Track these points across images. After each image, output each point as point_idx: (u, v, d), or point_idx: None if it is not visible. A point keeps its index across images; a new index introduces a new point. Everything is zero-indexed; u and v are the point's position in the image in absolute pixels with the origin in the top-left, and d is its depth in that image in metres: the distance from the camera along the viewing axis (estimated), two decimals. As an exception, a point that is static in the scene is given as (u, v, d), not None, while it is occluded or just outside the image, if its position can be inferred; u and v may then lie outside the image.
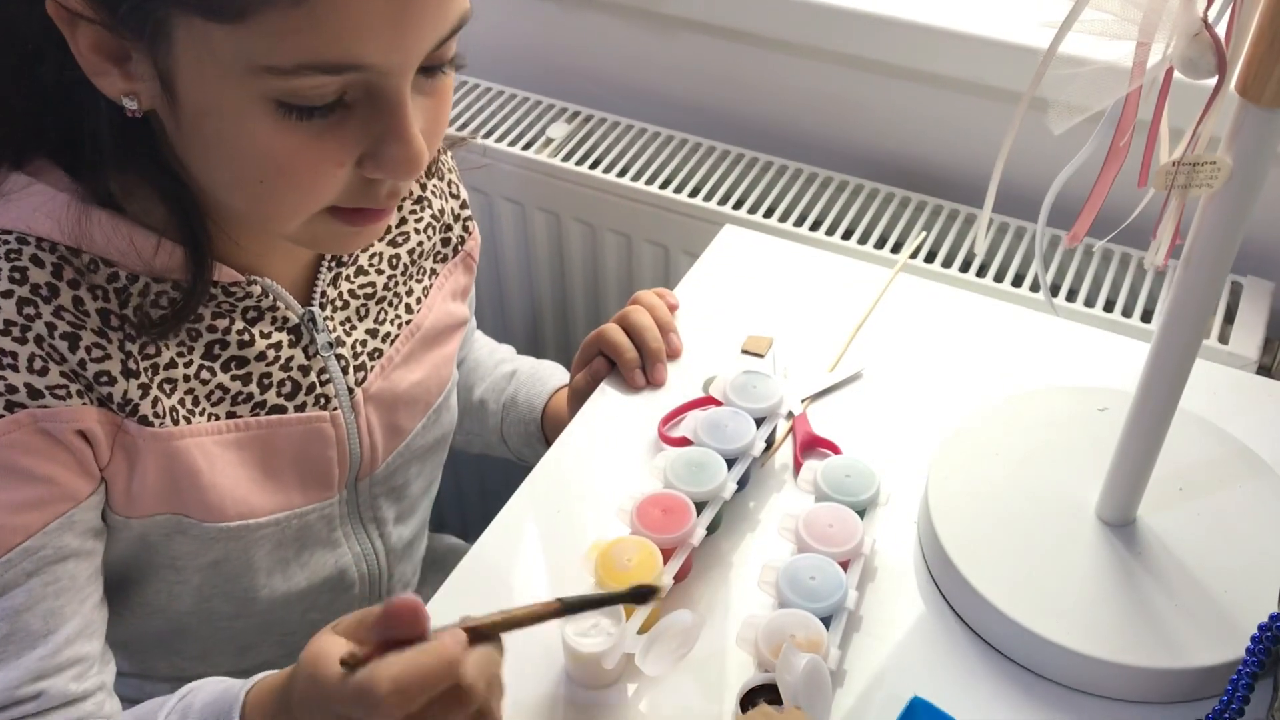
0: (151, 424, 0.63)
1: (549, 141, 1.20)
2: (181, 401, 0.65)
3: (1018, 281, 1.03)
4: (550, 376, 0.95)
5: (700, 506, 0.71)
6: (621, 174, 1.16)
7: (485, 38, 1.27)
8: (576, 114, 1.23)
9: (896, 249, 1.05)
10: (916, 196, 1.10)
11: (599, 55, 1.26)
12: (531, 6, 1.26)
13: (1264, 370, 0.97)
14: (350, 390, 0.73)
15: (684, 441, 0.78)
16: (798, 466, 0.78)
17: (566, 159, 1.18)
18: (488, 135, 1.21)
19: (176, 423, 0.64)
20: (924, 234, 1.05)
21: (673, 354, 0.86)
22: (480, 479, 1.37)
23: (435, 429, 0.83)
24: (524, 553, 0.74)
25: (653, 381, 0.84)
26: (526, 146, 1.20)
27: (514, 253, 1.27)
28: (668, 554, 0.68)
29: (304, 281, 0.72)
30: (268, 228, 0.63)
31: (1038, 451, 0.75)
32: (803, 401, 0.82)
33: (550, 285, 1.28)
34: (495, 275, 1.29)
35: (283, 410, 0.70)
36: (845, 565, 0.67)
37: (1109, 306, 1.00)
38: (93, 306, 0.61)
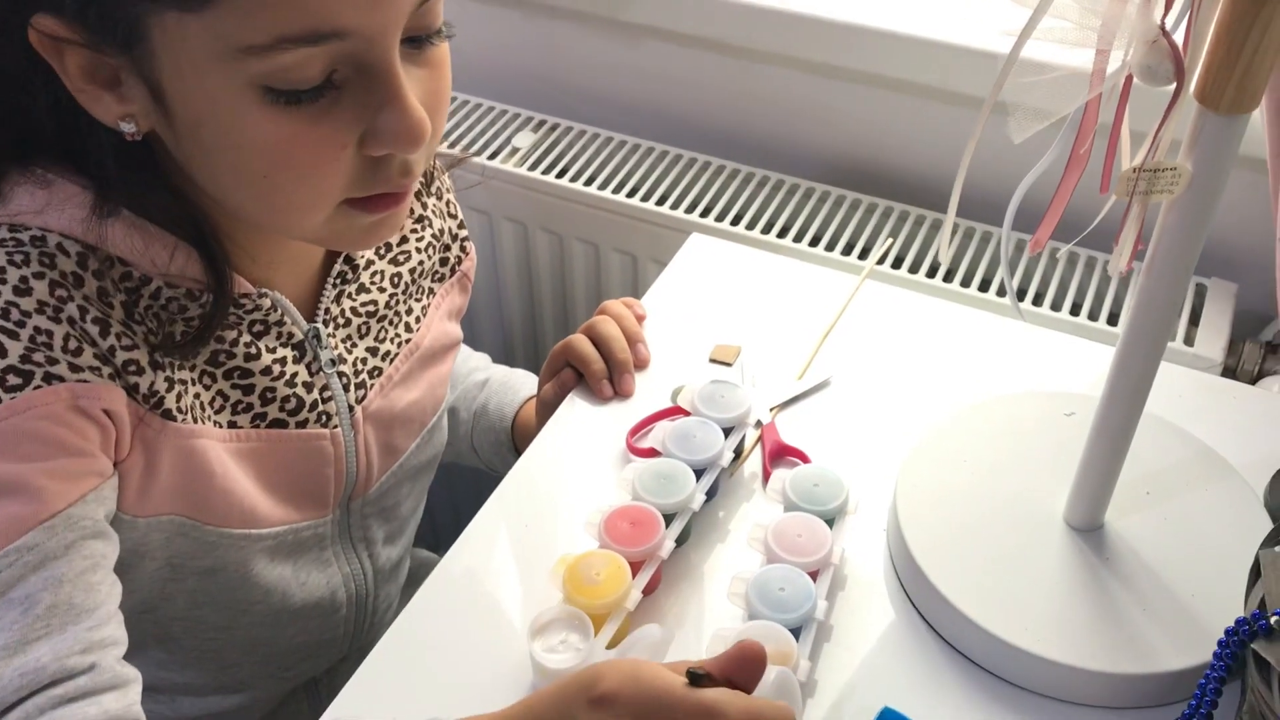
0: (175, 419, 0.62)
1: (515, 151, 1.20)
2: (191, 403, 0.64)
3: (984, 286, 1.03)
4: (521, 386, 0.95)
5: (669, 518, 0.70)
6: (588, 183, 1.15)
7: (452, 48, 1.26)
8: (542, 123, 1.23)
9: (864, 255, 1.06)
10: (883, 202, 1.11)
11: (564, 63, 1.26)
12: (496, 15, 1.25)
13: (1229, 372, 0.97)
14: (350, 409, 0.73)
15: (653, 452, 0.78)
16: (767, 476, 0.77)
17: (533, 168, 1.17)
18: (453, 145, 1.20)
19: (196, 422, 0.64)
20: (890, 240, 1.05)
21: (640, 364, 0.85)
22: (449, 490, 1.36)
23: (428, 449, 0.82)
24: (494, 567, 0.73)
25: (620, 392, 0.83)
26: (492, 156, 1.19)
27: (481, 263, 1.26)
28: (636, 567, 0.68)
29: (309, 298, 0.72)
30: (288, 228, 0.63)
31: (1005, 458, 0.75)
32: (771, 410, 0.82)
33: (518, 295, 1.27)
34: (463, 285, 1.28)
35: (283, 425, 0.69)
36: (814, 575, 0.67)
37: (1075, 310, 1.00)
38: (117, 299, 0.60)
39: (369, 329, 0.75)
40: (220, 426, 0.66)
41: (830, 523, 0.70)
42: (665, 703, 0.49)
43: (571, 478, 0.78)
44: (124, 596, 0.67)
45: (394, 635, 0.69)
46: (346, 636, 0.82)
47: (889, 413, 0.82)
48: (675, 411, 0.80)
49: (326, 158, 0.57)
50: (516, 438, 0.92)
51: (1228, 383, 0.86)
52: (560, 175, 1.17)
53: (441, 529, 1.49)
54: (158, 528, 0.65)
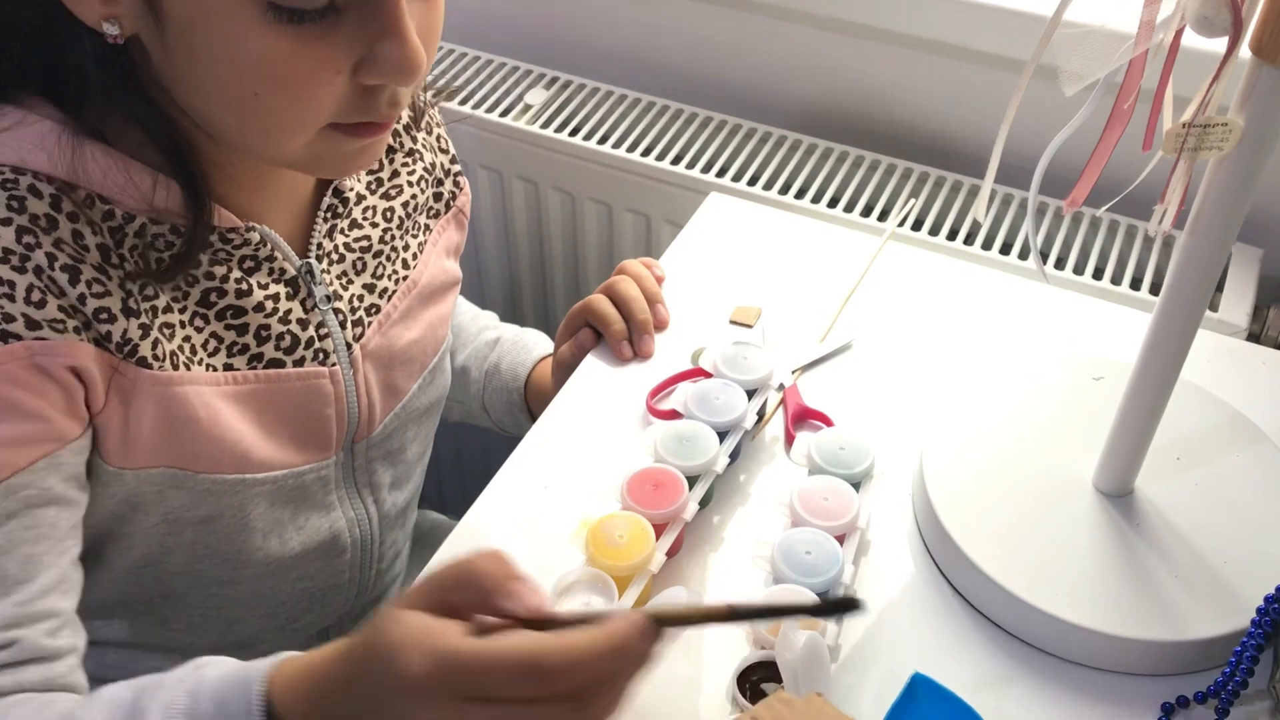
0: (151, 366, 0.60)
1: (527, 108, 1.17)
2: (180, 348, 0.62)
3: (1005, 249, 1.02)
4: (534, 345, 0.93)
5: (692, 481, 0.69)
6: (602, 141, 1.13)
7: (462, 2, 1.23)
8: (555, 79, 1.21)
9: (883, 217, 1.04)
10: (901, 163, 1.09)
11: (578, 19, 1.24)
12: (507, -31, 1.23)
13: (1253, 337, 0.96)
14: (349, 346, 0.71)
15: (673, 414, 0.76)
16: (789, 439, 0.76)
17: (545, 126, 1.15)
18: (464, 101, 1.18)
19: (176, 368, 0.62)
20: (912, 201, 1.03)
21: (660, 325, 0.84)
22: (457, 451, 1.35)
23: (431, 390, 0.81)
24: (513, 529, 0.72)
25: (640, 353, 0.82)
26: (504, 113, 1.17)
27: (491, 222, 1.24)
28: (659, 529, 0.67)
29: (300, 232, 0.70)
30: (268, 150, 0.61)
31: (1033, 422, 0.74)
32: (793, 373, 0.80)
33: (529, 255, 1.25)
34: (472, 244, 1.27)
35: (280, 365, 0.68)
36: (840, 539, 0.66)
37: (1097, 274, 0.99)
38: (93, 241, 0.59)
39: (364, 265, 0.73)
40: (215, 369, 0.65)
41: (856, 487, 0.69)
42: (447, 667, 0.44)
43: (590, 439, 0.77)
44: (123, 553, 0.67)
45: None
46: (352, 583, 0.81)
47: (911, 376, 0.81)
48: (696, 373, 0.79)
49: (320, 81, 0.56)
50: (529, 398, 0.91)
51: (1255, 348, 0.85)
52: (573, 133, 1.14)
53: (449, 490, 1.48)
54: (148, 480, 0.64)
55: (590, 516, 0.67)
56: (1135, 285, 0.97)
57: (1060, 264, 1.00)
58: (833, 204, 1.06)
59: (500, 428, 0.96)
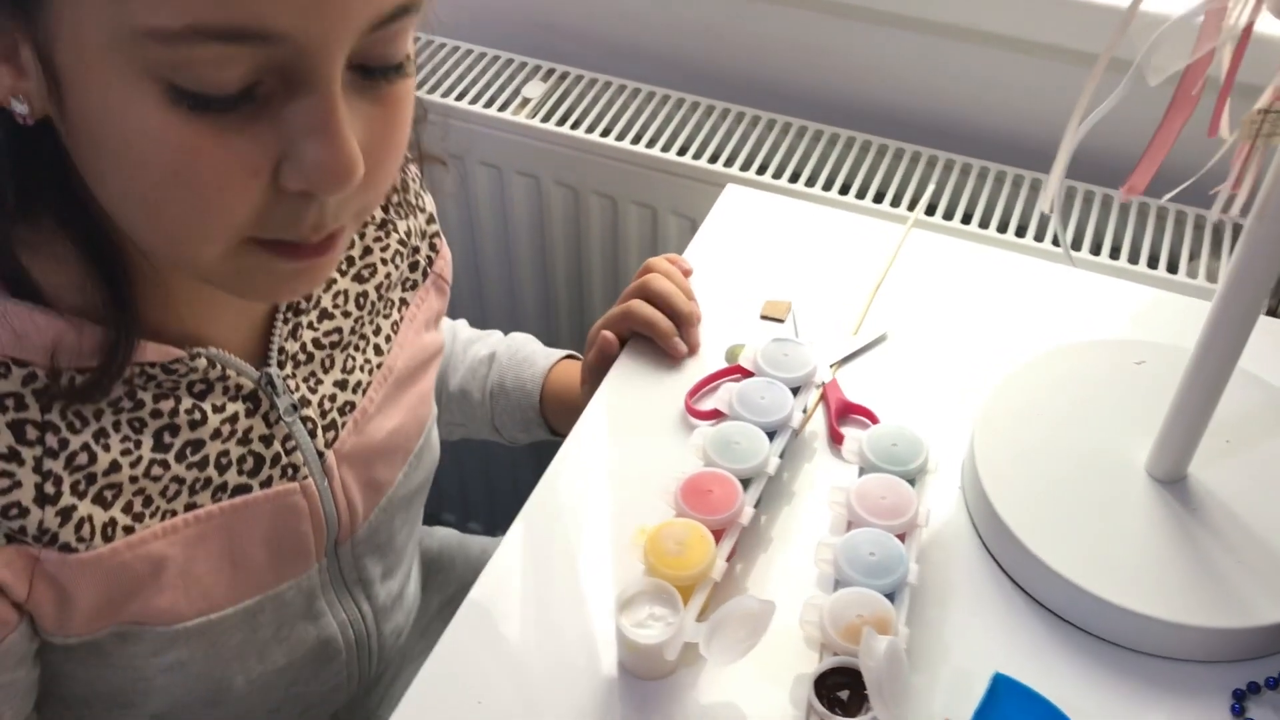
0: (76, 550, 0.54)
1: (525, 101, 1.15)
2: (129, 506, 0.56)
3: (1020, 232, 1.01)
4: (534, 356, 0.91)
5: (745, 483, 0.68)
6: (604, 133, 1.11)
7: (451, -6, 1.21)
8: (552, 71, 1.18)
9: (896, 203, 1.03)
10: (911, 147, 1.08)
11: (573, 10, 1.21)
12: (497, -41, 1.20)
13: (1270, 313, 0.96)
14: (320, 454, 0.65)
15: (714, 414, 0.75)
16: (834, 435, 0.75)
17: (545, 119, 1.13)
18: (460, 97, 1.15)
19: (111, 538, 0.55)
20: (931, 187, 1.02)
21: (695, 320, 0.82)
22: (457, 463, 1.33)
23: (418, 474, 0.75)
24: (561, 541, 0.70)
25: (691, 347, 0.80)
26: (502, 108, 1.14)
27: (491, 219, 1.22)
28: (716, 535, 0.65)
29: (257, 336, 0.63)
30: (181, 260, 0.52)
31: (1080, 409, 0.73)
32: (831, 368, 0.79)
33: (530, 253, 1.23)
34: (471, 244, 1.24)
35: (247, 490, 0.61)
36: (901, 538, 0.65)
37: (1114, 253, 0.98)
38: (1, 422, 0.51)
39: (333, 360, 0.66)
40: (174, 514, 0.58)
41: (911, 482, 0.68)
42: None
43: (630, 445, 0.76)
44: (90, 684, 0.62)
45: (463, 620, 0.66)
46: (351, 680, 0.76)
47: (949, 365, 0.80)
48: (735, 371, 0.78)
49: (231, 183, 0.46)
50: (546, 412, 0.89)
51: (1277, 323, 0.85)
52: (574, 126, 1.12)
53: (448, 501, 1.46)
54: (100, 639, 0.59)
55: (647, 525, 0.66)
56: (1152, 264, 0.97)
57: (1076, 244, 1.00)
58: (844, 191, 1.05)
59: (511, 443, 0.94)
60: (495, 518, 1.45)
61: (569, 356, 0.92)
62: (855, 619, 0.60)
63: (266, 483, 0.62)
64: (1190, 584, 0.63)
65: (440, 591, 0.94)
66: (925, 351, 0.81)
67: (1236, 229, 1.00)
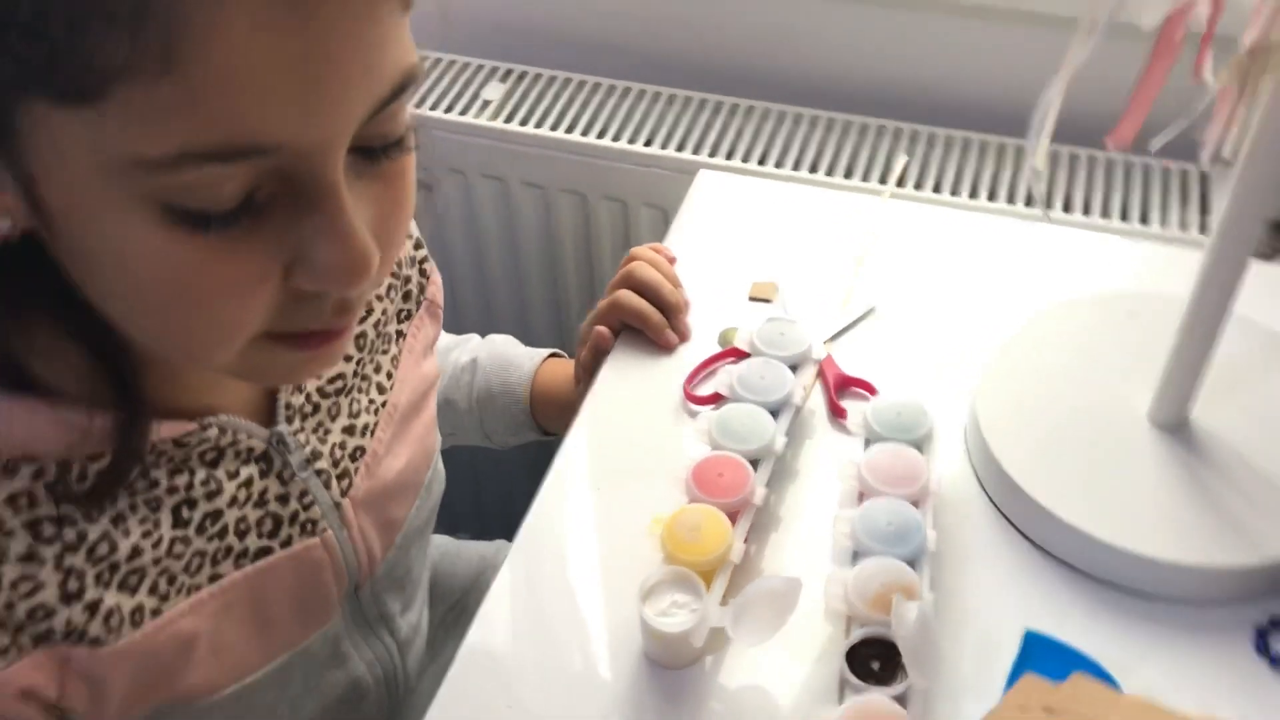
0: (106, 642, 0.52)
1: (486, 104, 1.14)
2: (154, 588, 0.54)
3: (992, 196, 1.02)
4: (517, 358, 0.90)
5: (754, 464, 0.68)
6: (569, 130, 1.11)
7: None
8: (510, 72, 1.18)
9: (867, 178, 1.03)
10: (875, 121, 1.08)
11: (528, 8, 1.20)
12: (445, -37, 1.19)
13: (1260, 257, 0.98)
14: (336, 504, 0.63)
15: (715, 398, 0.75)
16: (835, 410, 0.75)
17: (507, 120, 1.12)
18: (419, 104, 1.14)
19: (140, 624, 0.54)
20: (904, 158, 1.03)
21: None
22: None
23: (429, 504, 0.74)
24: (572, 537, 0.70)
25: (682, 336, 0.80)
26: (463, 112, 1.13)
27: (460, 225, 1.21)
28: (732, 518, 0.65)
29: (263, 396, 0.61)
30: (196, 363, 0.52)
31: (1078, 364, 0.74)
32: (825, 343, 0.79)
33: (501, 256, 1.22)
34: (442, 248, 1.23)
35: (268, 552, 0.60)
36: (915, 505, 0.65)
37: (1086, 209, 0.99)
38: (16, 523, 0.49)
39: (339, 407, 0.64)
40: (199, 589, 0.57)
41: (919, 450, 0.68)
42: None
43: (631, 435, 0.75)
44: None
45: (481, 626, 0.65)
46: (381, 714, 0.75)
47: (940, 332, 0.80)
48: (731, 354, 0.77)
49: (241, 292, 0.45)
50: (537, 414, 0.88)
51: (1265, 265, 0.86)
52: (538, 125, 1.12)
53: (459, 503, 1.44)
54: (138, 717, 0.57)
55: (661, 514, 0.65)
56: (1124, 216, 0.98)
57: (1049, 204, 1.00)
58: (813, 169, 1.05)
59: (501, 446, 0.93)
60: (484, 523, 1.43)
61: (552, 354, 0.91)
62: (880, 588, 0.60)
63: (287, 542, 0.61)
64: (1203, 525, 0.64)
65: (443, 601, 0.93)
66: (915, 320, 0.82)
67: (1204, 181, 1.01)
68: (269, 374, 0.53)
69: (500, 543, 0.98)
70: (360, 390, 0.66)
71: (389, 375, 0.69)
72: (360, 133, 0.44)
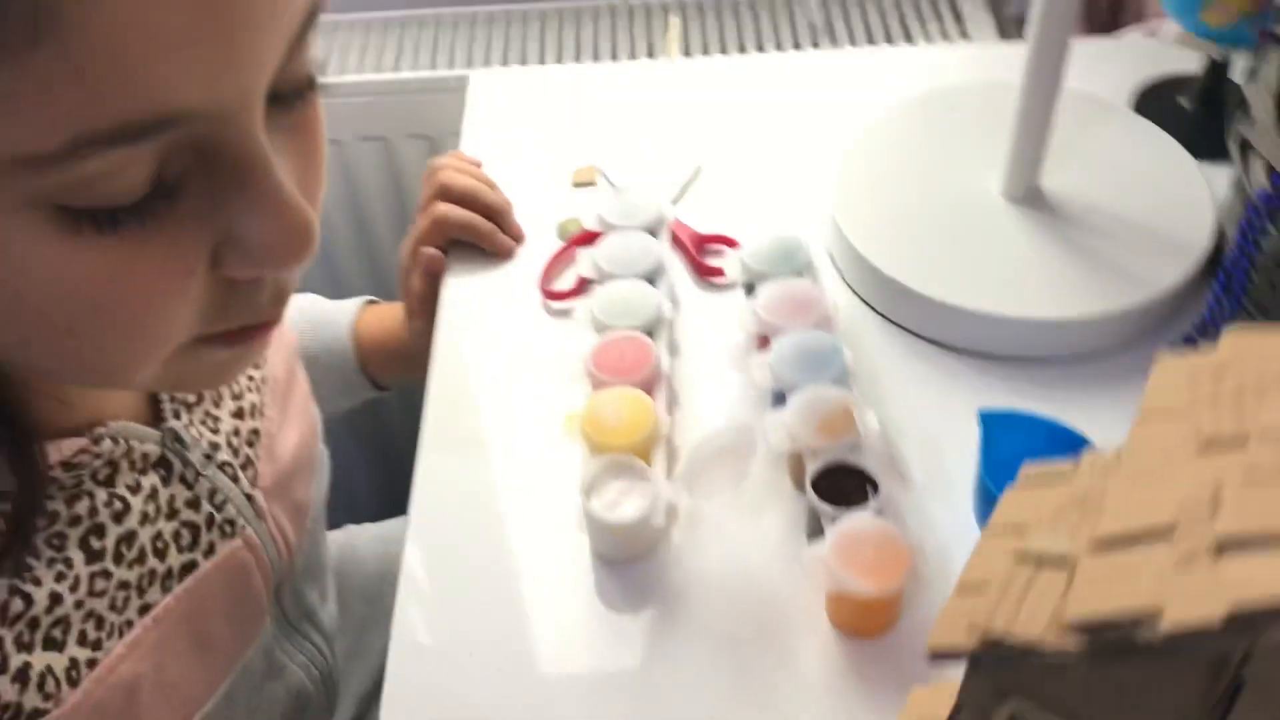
0: (47, 710, 0.44)
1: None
2: (83, 636, 0.46)
3: (762, 49, 1.01)
4: (329, 313, 0.82)
5: (649, 335, 0.64)
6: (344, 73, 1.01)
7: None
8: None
9: (645, 55, 1.00)
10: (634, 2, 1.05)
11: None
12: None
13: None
14: (249, 498, 0.57)
15: (578, 289, 0.70)
16: (701, 269, 0.72)
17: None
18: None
19: (78, 681, 0.46)
20: (676, 20, 1.00)
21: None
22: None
23: (324, 482, 0.68)
24: (475, 482, 0.63)
25: (516, 238, 0.74)
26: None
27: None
28: (648, 393, 0.61)
29: (143, 396, 0.53)
30: (111, 386, 0.45)
31: (921, 160, 0.74)
32: (673, 203, 0.76)
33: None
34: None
35: (194, 567, 0.52)
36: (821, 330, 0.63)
37: (852, 40, 1.00)
38: None
39: (221, 391, 0.58)
40: (132, 625, 0.49)
41: (806, 278, 0.66)
42: None
43: (500, 355, 0.69)
44: None
45: (410, 585, 0.59)
46: (325, 714, 0.69)
47: (769, 174, 0.79)
48: (580, 240, 0.73)
49: (165, 297, 0.38)
50: (369, 368, 0.81)
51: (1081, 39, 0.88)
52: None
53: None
54: None
55: (573, 410, 0.60)
56: (889, 40, 1.00)
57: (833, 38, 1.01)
58: (595, 58, 1.01)
59: (334, 413, 0.84)
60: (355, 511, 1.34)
61: (369, 303, 0.83)
62: (823, 415, 0.58)
63: (210, 551, 0.54)
64: (1078, 280, 0.65)
65: (354, 592, 0.84)
66: (741, 170, 0.79)
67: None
68: (194, 381, 0.45)
69: (394, 521, 0.90)
70: None
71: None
72: (273, 80, 0.36)
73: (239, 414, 0.58)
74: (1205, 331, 0.63)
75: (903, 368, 0.66)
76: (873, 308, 0.69)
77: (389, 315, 0.80)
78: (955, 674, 0.32)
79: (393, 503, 0.88)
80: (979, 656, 0.29)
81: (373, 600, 0.83)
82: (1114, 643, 0.24)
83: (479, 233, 0.73)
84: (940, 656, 0.30)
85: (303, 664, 0.64)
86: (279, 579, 0.60)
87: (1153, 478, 0.26)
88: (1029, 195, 0.70)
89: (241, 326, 0.42)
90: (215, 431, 0.56)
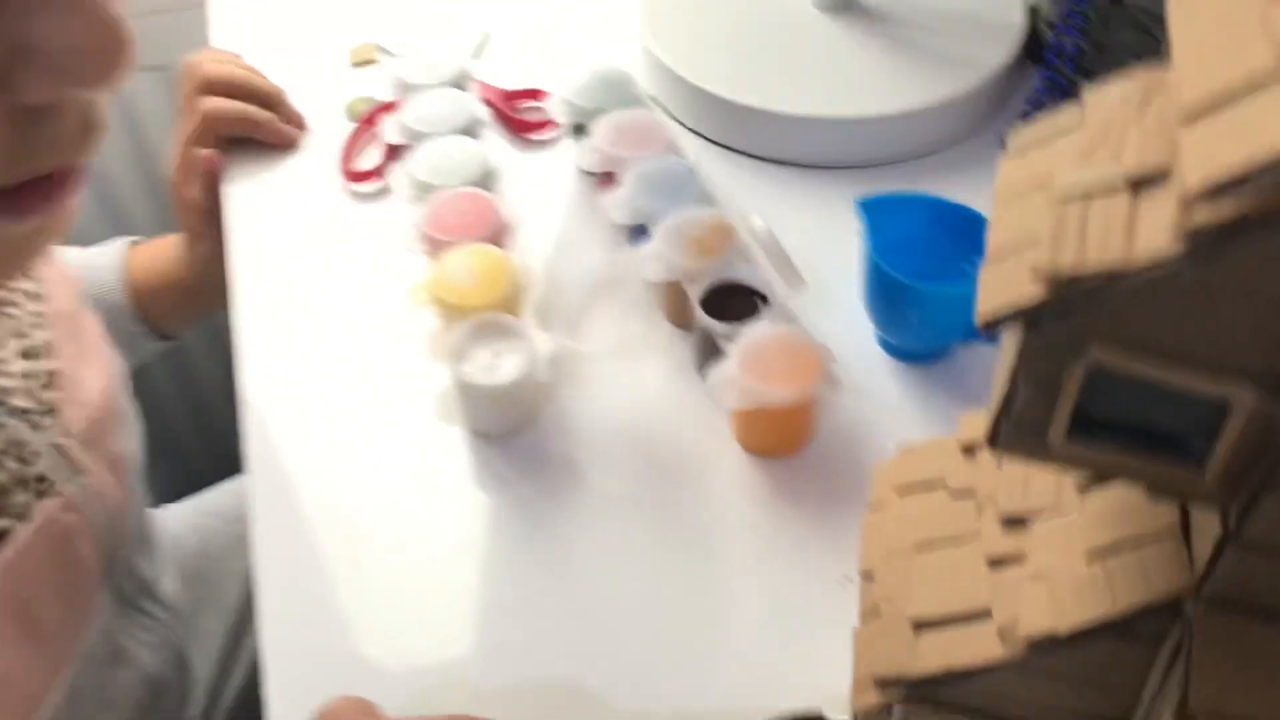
0: None
1: None
2: None
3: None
4: (89, 259, 0.69)
5: (481, 187, 0.57)
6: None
7: None
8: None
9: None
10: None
11: None
12: None
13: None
14: (58, 448, 0.48)
15: (387, 163, 0.63)
16: (516, 125, 0.66)
17: None
18: None
19: None
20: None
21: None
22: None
23: (140, 437, 0.59)
24: (312, 405, 0.55)
25: (298, 125, 0.65)
26: None
27: None
28: (496, 241, 0.55)
29: None
30: None
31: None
32: (474, 60, 0.69)
33: None
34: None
35: (8, 535, 0.44)
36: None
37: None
38: None
39: (2, 330, 0.49)
40: None
41: (640, 106, 0.61)
42: None
43: (312, 249, 0.61)
44: None
45: (266, 529, 0.50)
46: (196, 708, 0.61)
47: (563, 22, 0.73)
48: (378, 112, 0.65)
49: None
50: (148, 315, 0.70)
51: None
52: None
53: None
54: None
55: (419, 280, 0.53)
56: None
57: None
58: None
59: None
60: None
61: (132, 243, 0.72)
62: (700, 232, 0.53)
63: (24, 514, 0.45)
64: (905, 75, 0.63)
65: (213, 581, 0.74)
66: (535, 26, 0.73)
67: None
68: None
69: (208, 493, 0.78)
70: (12, 303, 0.50)
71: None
72: None
73: (29, 354, 0.48)
74: (1041, 107, 0.63)
75: (751, 194, 0.62)
76: (708, 139, 0.65)
77: (163, 250, 0.70)
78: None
79: (218, 470, 0.77)
80: (1041, 311, 0.25)
81: (204, 581, 0.73)
82: (1226, 228, 0.20)
83: (255, 123, 0.64)
84: (993, 324, 0.25)
85: (152, 644, 0.55)
86: (110, 548, 0.51)
87: (1220, 31, 0.22)
88: (843, 5, 0.67)
89: (35, 180, 0.32)
90: (5, 375, 0.46)
